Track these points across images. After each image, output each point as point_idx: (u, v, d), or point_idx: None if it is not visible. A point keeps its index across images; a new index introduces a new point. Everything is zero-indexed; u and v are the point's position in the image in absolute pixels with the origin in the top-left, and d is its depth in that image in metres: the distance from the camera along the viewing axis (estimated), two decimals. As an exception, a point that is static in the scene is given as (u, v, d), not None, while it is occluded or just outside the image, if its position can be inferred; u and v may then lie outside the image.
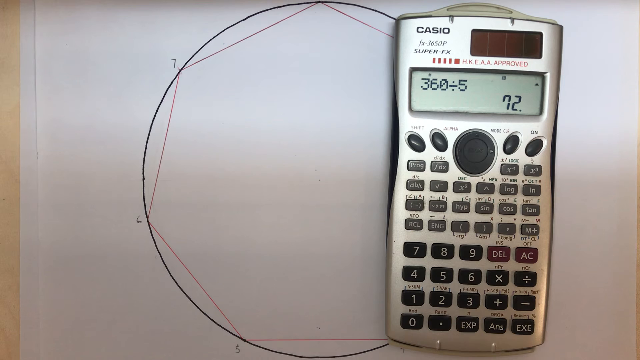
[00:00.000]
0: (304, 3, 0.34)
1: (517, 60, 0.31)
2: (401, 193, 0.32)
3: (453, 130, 0.31)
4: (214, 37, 0.34)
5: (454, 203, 0.31)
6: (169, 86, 0.34)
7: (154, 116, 0.34)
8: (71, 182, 0.34)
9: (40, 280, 0.35)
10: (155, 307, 0.34)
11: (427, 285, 0.32)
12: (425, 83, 0.32)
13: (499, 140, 0.31)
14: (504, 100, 0.32)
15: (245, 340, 0.34)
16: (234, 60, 0.34)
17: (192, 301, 0.34)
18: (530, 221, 0.31)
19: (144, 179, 0.34)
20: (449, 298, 0.32)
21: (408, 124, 0.31)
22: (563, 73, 0.32)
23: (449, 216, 0.31)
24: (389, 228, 0.32)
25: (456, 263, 0.32)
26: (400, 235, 0.32)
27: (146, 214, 0.34)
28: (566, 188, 0.33)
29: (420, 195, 0.31)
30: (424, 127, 0.31)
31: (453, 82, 0.32)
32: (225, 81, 0.34)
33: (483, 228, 0.31)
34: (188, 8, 0.34)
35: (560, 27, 0.31)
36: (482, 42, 0.31)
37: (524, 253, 0.31)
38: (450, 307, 0.32)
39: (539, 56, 0.31)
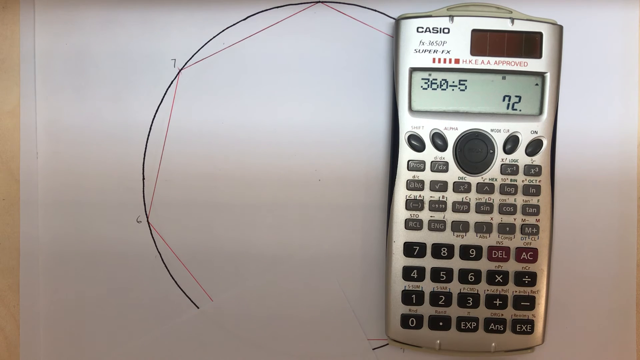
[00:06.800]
0: (304, 3, 0.34)
1: (517, 60, 0.31)
2: (401, 193, 0.32)
3: (453, 130, 0.31)
4: (214, 37, 0.34)
5: (454, 203, 0.31)
6: (169, 86, 0.34)
7: (154, 116, 0.34)
8: (71, 182, 0.34)
9: (40, 280, 0.35)
10: (155, 307, 0.34)
11: (427, 285, 0.32)
12: (425, 83, 0.32)
13: (499, 140, 0.31)
14: (504, 100, 0.32)
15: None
16: (234, 60, 0.34)
17: (192, 301, 0.34)
18: (530, 221, 0.31)
19: (144, 179, 0.34)
20: (449, 298, 0.32)
21: (408, 124, 0.31)
22: (563, 73, 0.32)
23: (449, 216, 0.31)
24: (389, 228, 0.32)
25: (456, 263, 0.32)
26: (400, 235, 0.32)
27: (146, 214, 0.34)
28: (566, 188, 0.33)
29: (420, 195, 0.31)
30: (424, 127, 0.31)
31: (453, 82, 0.32)
32: (225, 81, 0.34)
33: (483, 228, 0.31)
34: (188, 8, 0.34)
35: (560, 27, 0.31)
36: (482, 42, 0.31)
37: (524, 253, 0.31)
38: (450, 307, 0.32)
39: (539, 56, 0.31)
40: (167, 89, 0.34)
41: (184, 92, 0.34)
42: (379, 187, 0.34)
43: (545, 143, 0.31)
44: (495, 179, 0.31)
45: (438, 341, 0.32)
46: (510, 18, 0.31)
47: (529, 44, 0.31)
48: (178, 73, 0.34)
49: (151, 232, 0.34)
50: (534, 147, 0.31)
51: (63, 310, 0.35)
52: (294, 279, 0.34)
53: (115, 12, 0.35)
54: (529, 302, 0.31)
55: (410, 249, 0.32)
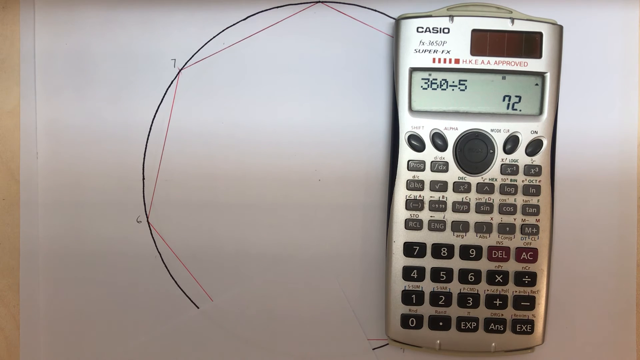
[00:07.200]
0: (304, 3, 0.34)
1: (517, 60, 0.31)
2: (401, 193, 0.32)
3: (453, 130, 0.31)
4: (214, 37, 0.34)
5: (454, 203, 0.31)
6: (169, 86, 0.34)
7: (154, 116, 0.34)
8: (71, 182, 0.35)
9: (40, 280, 0.35)
10: (155, 307, 0.34)
11: (427, 285, 0.32)
12: (425, 83, 0.32)
13: (499, 140, 0.31)
14: (504, 100, 0.32)
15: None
16: (234, 60, 0.34)
17: (192, 301, 0.34)
18: (530, 221, 0.31)
19: (144, 179, 0.34)
20: (449, 298, 0.32)
21: (408, 124, 0.31)
22: (563, 73, 0.32)
23: (449, 216, 0.31)
24: (389, 228, 0.32)
25: (456, 263, 0.32)
26: (400, 235, 0.32)
27: (146, 214, 0.34)
28: (566, 188, 0.33)
29: (420, 195, 0.31)
30: (424, 127, 0.31)
31: (453, 82, 0.32)
32: (225, 81, 0.34)
33: (483, 228, 0.31)
34: (188, 8, 0.34)
35: (560, 27, 0.31)
36: (482, 42, 0.31)
37: (524, 253, 0.31)
38: (450, 307, 0.32)
39: (539, 56, 0.31)
40: (167, 89, 0.34)
41: (184, 92, 0.34)
42: (379, 187, 0.34)
43: (545, 143, 0.31)
44: (495, 179, 0.31)
45: (438, 341, 0.32)
46: (510, 18, 0.31)
47: (529, 44, 0.31)
48: (178, 73, 0.34)
49: (151, 232, 0.34)
50: (534, 147, 0.31)
51: (63, 310, 0.35)
52: (294, 279, 0.34)
53: (115, 12, 0.35)
54: (529, 302, 0.31)
55: (410, 249, 0.32)
